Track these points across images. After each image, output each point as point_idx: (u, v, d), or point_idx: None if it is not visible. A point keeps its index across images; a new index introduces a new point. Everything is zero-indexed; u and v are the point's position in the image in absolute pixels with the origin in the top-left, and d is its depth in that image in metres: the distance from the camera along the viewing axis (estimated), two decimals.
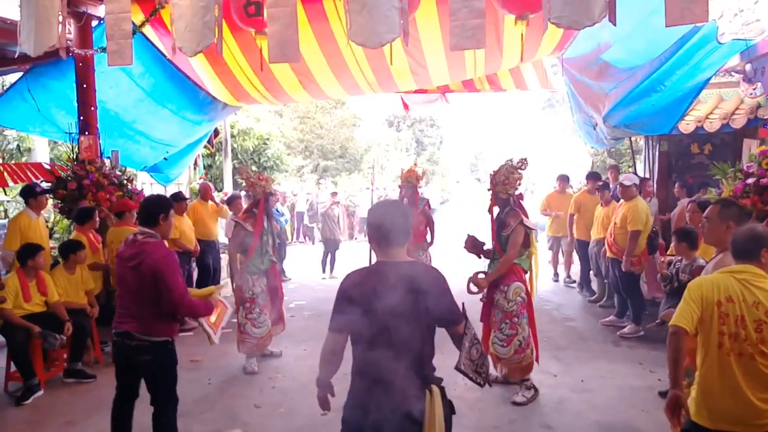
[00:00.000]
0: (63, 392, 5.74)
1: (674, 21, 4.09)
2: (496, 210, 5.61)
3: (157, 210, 3.98)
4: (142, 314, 3.87)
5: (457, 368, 2.81)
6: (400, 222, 2.80)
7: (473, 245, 5.64)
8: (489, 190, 5.54)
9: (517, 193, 5.50)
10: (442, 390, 2.77)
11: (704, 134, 8.61)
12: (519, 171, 5.39)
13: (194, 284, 8.77)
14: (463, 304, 3.01)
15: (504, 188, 5.36)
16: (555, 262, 11.08)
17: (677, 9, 4.08)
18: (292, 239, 17.40)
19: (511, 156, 5.56)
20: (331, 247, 12.08)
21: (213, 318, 4.36)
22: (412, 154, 36.98)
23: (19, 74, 8.21)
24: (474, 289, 5.23)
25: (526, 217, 5.43)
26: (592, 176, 9.76)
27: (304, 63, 8.46)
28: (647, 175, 10.08)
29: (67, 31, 7.14)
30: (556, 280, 10.96)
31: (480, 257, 5.67)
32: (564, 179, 10.65)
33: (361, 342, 2.76)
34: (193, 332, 7.76)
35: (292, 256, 13.44)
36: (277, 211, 11.65)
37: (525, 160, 5.41)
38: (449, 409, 2.81)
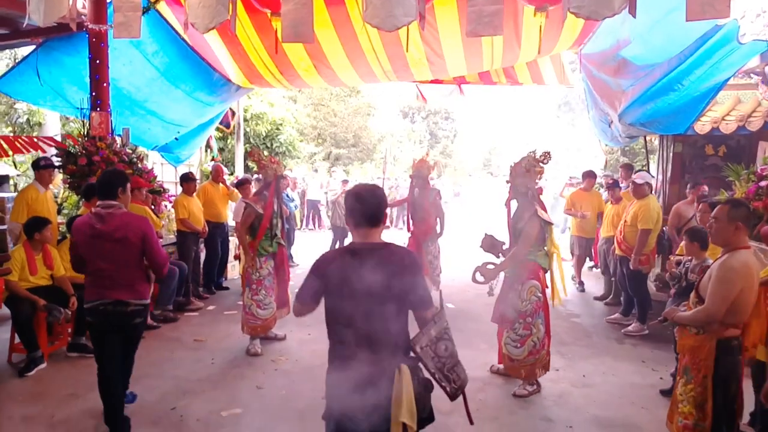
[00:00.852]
0: (66, 365, 5.78)
1: (694, 16, 4.02)
2: (513, 204, 5.51)
3: (115, 183, 4.25)
4: (133, 281, 4.24)
5: (412, 346, 2.76)
6: (376, 204, 2.87)
7: (491, 245, 5.46)
8: (507, 182, 5.43)
9: (537, 187, 5.38)
10: (414, 369, 2.78)
11: (719, 136, 8.49)
12: (541, 164, 5.28)
13: (201, 265, 8.80)
14: (440, 292, 2.99)
15: (524, 181, 5.25)
16: (579, 267, 10.22)
17: (698, 4, 4.02)
18: (301, 226, 17.39)
19: (531, 149, 5.45)
20: (339, 234, 12.15)
21: None
22: (425, 146, 36.87)
23: (32, 47, 8.22)
24: (479, 278, 5.10)
25: (545, 211, 5.32)
26: (589, 174, 9.78)
27: (319, 47, 8.42)
28: (659, 175, 9.99)
29: (82, 6, 7.20)
30: (582, 290, 9.84)
31: (498, 257, 5.44)
32: (591, 176, 9.91)
33: (333, 320, 2.82)
34: (198, 312, 7.81)
35: (301, 243, 13.45)
36: (287, 196, 11.64)
37: (548, 153, 5.30)
38: (424, 387, 2.82)
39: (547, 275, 5.44)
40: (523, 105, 46.97)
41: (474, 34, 4.45)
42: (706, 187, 7.73)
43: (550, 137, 29.22)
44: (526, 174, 5.24)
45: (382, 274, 2.69)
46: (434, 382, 2.82)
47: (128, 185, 4.35)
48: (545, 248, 5.32)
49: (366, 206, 2.84)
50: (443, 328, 2.83)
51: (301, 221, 17.62)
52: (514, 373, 5.38)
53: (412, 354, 2.79)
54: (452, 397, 2.83)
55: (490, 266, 5.15)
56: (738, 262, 3.38)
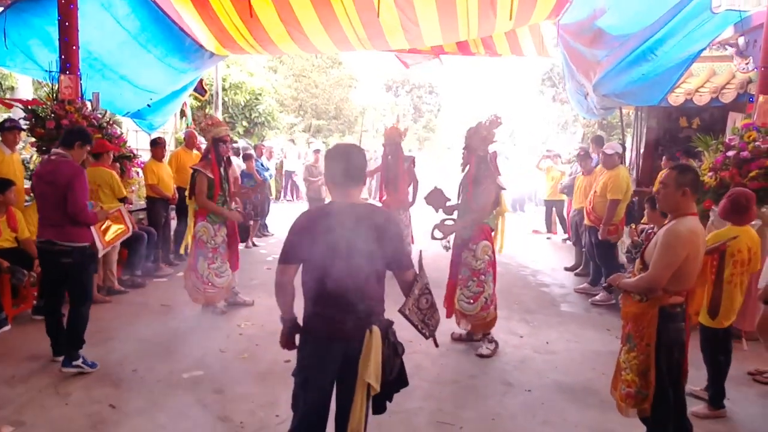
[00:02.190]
0: (30, 328, 5.71)
1: None
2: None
3: (75, 136, 4.72)
4: (62, 223, 4.58)
5: (401, 311, 2.84)
6: (357, 163, 2.87)
7: (435, 199, 5.66)
8: (464, 149, 5.55)
9: (491, 151, 5.50)
10: (386, 332, 2.81)
11: (693, 108, 8.54)
12: (494, 128, 5.42)
13: (172, 232, 8.74)
14: (420, 252, 3.00)
15: (481, 144, 5.38)
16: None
17: None
18: (279, 196, 17.27)
19: (489, 116, 5.55)
20: (314, 204, 12.02)
21: (109, 234, 5.57)
22: (408, 119, 36.69)
23: (0, 9, 8.04)
24: (438, 234, 5.39)
25: (499, 175, 5.48)
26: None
27: (292, 12, 8.31)
28: (634, 148, 10.03)
29: None
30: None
31: (438, 212, 5.68)
32: (598, 142, 9.67)
33: (309, 278, 2.80)
34: (168, 278, 7.78)
35: (278, 213, 13.37)
36: (262, 165, 11.57)
37: (498, 117, 5.42)
38: (393, 350, 2.86)
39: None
40: (507, 80, 46.85)
41: None
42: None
43: (533, 112, 29.19)
44: (483, 140, 5.37)
45: (362, 233, 2.71)
46: (412, 339, 3.01)
47: (87, 144, 4.79)
48: (495, 210, 5.49)
49: (346, 164, 2.83)
50: (424, 284, 2.92)
51: (279, 192, 17.49)
52: (476, 329, 5.53)
53: (393, 315, 2.87)
54: (428, 336, 3.02)
55: (448, 222, 5.42)
56: (684, 228, 3.29)
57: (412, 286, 2.89)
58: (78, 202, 4.53)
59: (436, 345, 3.17)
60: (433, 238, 5.43)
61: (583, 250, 8.77)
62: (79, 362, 4.68)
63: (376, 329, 2.76)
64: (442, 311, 5.93)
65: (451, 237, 5.59)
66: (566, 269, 9.30)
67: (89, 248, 4.81)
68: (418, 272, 2.94)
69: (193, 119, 6.67)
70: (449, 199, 5.69)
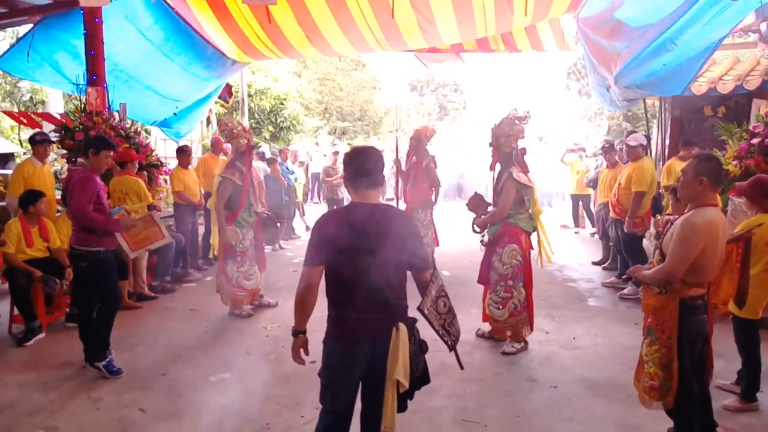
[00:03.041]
0: (63, 335, 5.88)
1: None
2: (498, 167, 5.54)
3: (88, 145, 4.89)
4: (77, 228, 4.81)
5: (420, 309, 2.86)
6: (375, 165, 2.90)
7: (476, 205, 5.55)
8: (490, 145, 5.46)
9: (520, 147, 5.41)
10: (412, 329, 2.86)
11: (717, 96, 8.41)
12: (521, 124, 5.31)
13: (200, 238, 8.88)
14: (432, 252, 3.03)
15: (507, 141, 5.29)
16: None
17: None
18: (305, 199, 17.36)
19: (511, 111, 5.45)
20: (333, 206, 12.09)
21: (139, 237, 5.47)
22: (434, 118, 36.61)
23: (30, 26, 8.26)
24: (477, 229, 5.49)
25: (527, 173, 5.36)
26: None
27: (310, 17, 8.40)
28: (659, 139, 9.91)
29: None
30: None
31: (479, 216, 5.54)
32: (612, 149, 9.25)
33: (334, 279, 2.86)
34: (196, 283, 7.91)
35: (306, 216, 13.48)
36: (287, 169, 11.67)
37: (528, 112, 5.33)
38: (419, 347, 2.91)
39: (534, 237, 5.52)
40: (532, 75, 46.40)
41: None
42: (697, 149, 7.65)
43: (559, 107, 28.93)
44: (509, 135, 5.26)
45: (383, 233, 2.76)
46: (437, 338, 2.95)
47: (104, 150, 4.87)
48: (528, 210, 5.36)
49: (365, 166, 2.87)
50: (440, 286, 2.97)
51: (306, 195, 17.57)
52: (500, 335, 5.47)
53: (415, 313, 2.88)
54: (451, 348, 3.01)
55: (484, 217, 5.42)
56: (701, 219, 3.22)
57: (429, 285, 2.92)
58: (75, 203, 4.69)
59: (461, 367, 3.17)
60: (474, 231, 5.55)
61: (610, 244, 8.70)
62: (101, 364, 4.81)
63: (402, 326, 2.81)
64: (469, 315, 6.04)
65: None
66: (594, 263, 9.23)
67: (104, 253, 4.86)
68: (434, 272, 2.97)
69: (218, 123, 6.70)
70: (490, 204, 5.59)
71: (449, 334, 3.00)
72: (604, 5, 7.86)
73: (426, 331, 2.97)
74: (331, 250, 2.79)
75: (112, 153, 5.06)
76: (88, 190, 4.71)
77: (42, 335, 5.78)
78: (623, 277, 7.44)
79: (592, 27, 8.66)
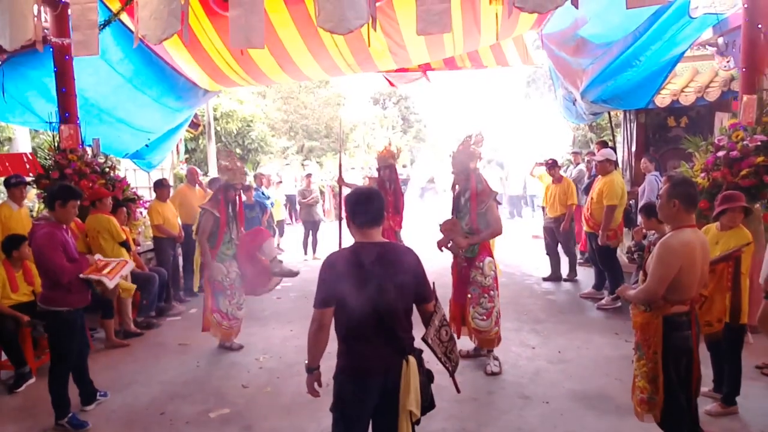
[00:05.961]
0: None
1: (635, 3, 4.18)
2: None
3: (55, 197, 4.65)
4: (46, 287, 4.73)
5: (424, 339, 3.02)
6: (377, 206, 3.02)
7: (450, 228, 5.57)
8: (452, 173, 5.68)
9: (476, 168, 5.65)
10: (420, 360, 3.00)
11: (680, 107, 8.74)
12: (477, 146, 5.56)
13: (180, 269, 8.87)
14: (433, 283, 3.16)
15: (467, 164, 5.52)
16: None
17: None
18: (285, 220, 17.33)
19: (470, 131, 5.68)
20: (310, 227, 12.13)
21: (106, 270, 5.17)
22: (398, 131, 36.79)
23: None
24: (452, 246, 5.54)
25: (495, 192, 5.59)
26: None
27: (282, 46, 8.49)
28: (625, 150, 10.23)
29: (43, 20, 7.19)
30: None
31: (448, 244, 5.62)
32: (555, 165, 9.50)
33: (345, 319, 2.94)
34: (181, 316, 7.89)
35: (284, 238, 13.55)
36: (262, 194, 11.70)
37: (481, 134, 5.57)
38: (427, 377, 3.06)
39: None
40: (492, 84, 47.01)
41: (424, 32, 4.59)
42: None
43: (519, 116, 29.36)
44: (472, 156, 5.52)
45: (392, 271, 2.89)
46: (439, 365, 3.11)
47: (70, 201, 4.67)
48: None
49: (367, 207, 2.99)
50: (442, 316, 3.12)
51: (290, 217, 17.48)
52: (488, 345, 5.64)
53: (418, 345, 3.02)
54: (452, 373, 3.22)
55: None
56: (677, 241, 3.40)
57: (432, 316, 3.06)
58: (47, 262, 4.56)
59: (458, 390, 3.37)
60: (441, 248, 5.63)
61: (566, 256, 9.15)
62: (63, 421, 4.74)
63: (412, 359, 2.93)
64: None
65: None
66: (544, 279, 9.34)
67: (67, 313, 4.70)
68: (436, 302, 3.11)
69: (218, 155, 6.77)
70: (464, 229, 5.65)
71: (450, 360, 3.17)
72: (568, 22, 8.13)
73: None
74: (341, 291, 2.89)
75: (78, 202, 4.88)
76: (56, 246, 4.56)
77: (32, 380, 5.72)
78: (606, 288, 7.67)
79: (556, 43, 8.93)
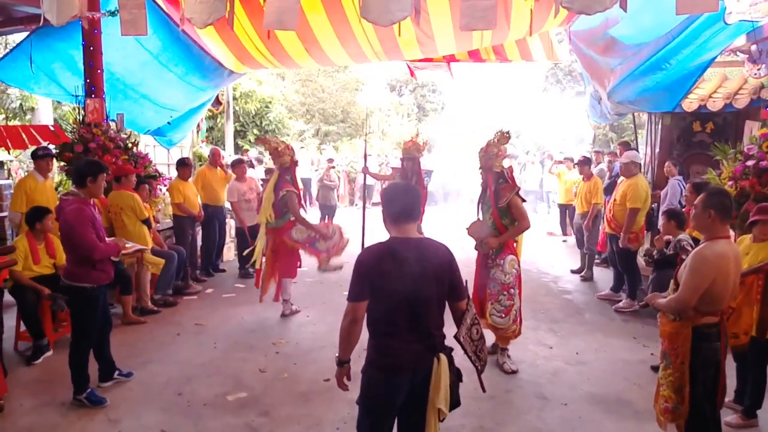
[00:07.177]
0: None
1: (685, 10, 4.12)
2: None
3: (85, 172, 4.63)
4: (68, 261, 4.77)
5: (456, 337, 3.01)
6: (413, 201, 3.03)
7: (476, 230, 5.67)
8: (480, 168, 5.67)
9: (507, 166, 5.68)
10: (450, 358, 3.00)
11: (707, 113, 8.63)
12: (505, 143, 5.57)
13: (198, 249, 8.89)
14: (465, 281, 3.15)
15: (496, 161, 5.52)
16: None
17: None
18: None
19: (497, 129, 5.68)
20: (326, 212, 12.18)
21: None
22: (413, 119, 36.68)
23: (25, 34, 8.18)
24: (485, 248, 5.57)
25: (518, 188, 5.61)
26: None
27: (311, 31, 8.45)
28: (648, 152, 10.15)
29: None
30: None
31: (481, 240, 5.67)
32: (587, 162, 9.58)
33: (379, 315, 2.95)
34: (197, 296, 7.92)
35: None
36: None
37: (506, 133, 5.55)
38: (456, 376, 3.05)
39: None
40: (510, 76, 46.76)
41: (468, 28, 4.54)
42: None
43: (537, 110, 29.24)
44: (496, 156, 5.51)
45: (424, 266, 2.88)
46: (469, 363, 3.10)
47: (100, 174, 4.68)
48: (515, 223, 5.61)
49: (404, 203, 3.00)
50: (474, 314, 3.11)
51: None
52: (503, 342, 5.68)
53: (450, 341, 3.01)
54: (480, 372, 3.19)
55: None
56: (711, 252, 3.39)
57: (464, 314, 3.05)
58: (82, 241, 4.53)
59: (484, 390, 3.35)
60: (478, 248, 5.69)
61: (586, 253, 9.16)
62: (81, 397, 4.78)
63: (443, 357, 2.94)
64: None
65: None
66: (572, 272, 9.57)
67: (91, 290, 4.72)
68: (468, 300, 3.10)
69: (261, 143, 6.98)
70: (490, 228, 5.69)
71: (480, 359, 3.15)
72: (598, 20, 8.01)
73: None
74: (375, 285, 2.89)
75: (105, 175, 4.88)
76: (86, 222, 4.55)
77: (50, 353, 5.79)
78: (624, 290, 7.65)
79: (585, 41, 8.83)
